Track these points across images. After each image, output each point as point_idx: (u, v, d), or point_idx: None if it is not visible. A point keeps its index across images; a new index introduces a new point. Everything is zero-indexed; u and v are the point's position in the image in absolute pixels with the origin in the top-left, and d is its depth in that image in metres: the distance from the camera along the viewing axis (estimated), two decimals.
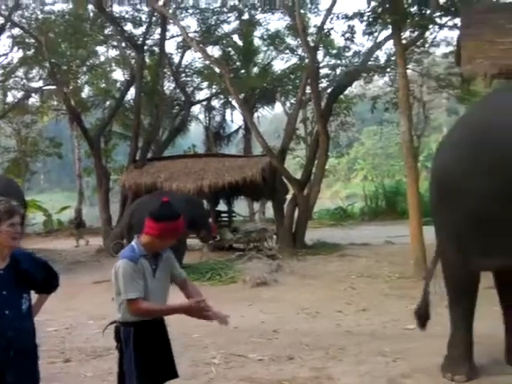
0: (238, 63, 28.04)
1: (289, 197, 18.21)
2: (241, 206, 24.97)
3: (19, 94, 28.11)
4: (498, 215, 4.66)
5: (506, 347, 5.91)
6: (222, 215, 20.86)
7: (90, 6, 21.46)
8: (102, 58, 28.24)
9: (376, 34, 17.06)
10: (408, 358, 6.29)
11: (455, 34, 16.30)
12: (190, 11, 23.74)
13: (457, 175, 5.12)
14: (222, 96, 29.70)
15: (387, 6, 13.26)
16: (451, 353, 5.68)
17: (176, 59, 26.64)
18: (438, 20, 15.90)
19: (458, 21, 14.85)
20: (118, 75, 44.37)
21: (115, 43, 24.20)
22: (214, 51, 26.42)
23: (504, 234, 4.73)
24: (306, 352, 6.86)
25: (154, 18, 21.85)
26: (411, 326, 7.67)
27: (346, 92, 22.31)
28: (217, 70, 21.67)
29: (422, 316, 6.00)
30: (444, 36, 23.32)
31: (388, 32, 15.49)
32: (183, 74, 27.75)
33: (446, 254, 5.69)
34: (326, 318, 8.77)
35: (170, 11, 21.13)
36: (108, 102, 28.34)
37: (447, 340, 5.76)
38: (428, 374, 5.74)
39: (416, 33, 14.92)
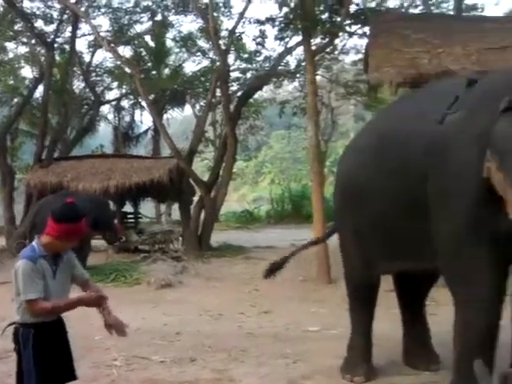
0: (149, 64, 27.71)
1: (196, 199, 18.14)
2: (147, 207, 24.71)
3: None
4: (399, 220, 4.73)
5: (404, 348, 6.08)
6: (128, 216, 20.56)
7: (0, 1, 20.76)
8: (11, 55, 27.29)
9: (287, 40, 17.25)
10: (309, 360, 6.34)
11: (364, 42, 16.69)
12: (103, 10, 23.19)
13: (361, 180, 5.19)
14: (131, 96, 29.34)
15: (299, 12, 13.36)
16: (351, 354, 5.77)
17: (87, 58, 26.07)
18: (347, 28, 16.23)
19: (367, 29, 15.19)
20: (27, 72, 43.08)
21: (25, 40, 23.44)
22: (126, 51, 26.04)
23: (403, 238, 4.81)
24: (209, 354, 6.82)
25: (65, 16, 21.23)
26: (313, 328, 7.79)
27: (256, 96, 22.37)
28: (127, 70, 21.35)
29: (273, 270, 6.09)
30: (353, 44, 23.78)
31: (299, 38, 15.63)
32: (93, 74, 27.19)
33: (349, 258, 5.77)
34: (229, 320, 8.74)
35: (82, 9, 20.66)
36: (16, 100, 27.48)
37: (347, 342, 5.84)
38: (328, 375, 5.80)
39: (326, 40, 15.12)
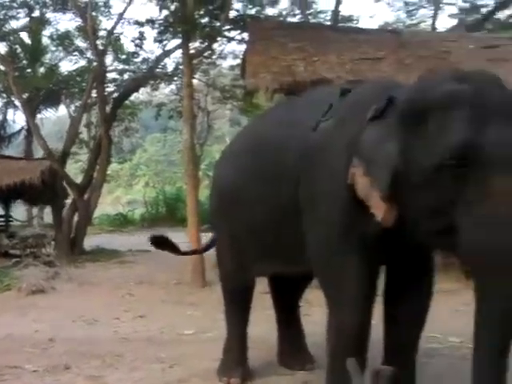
0: (24, 62, 26.75)
1: (69, 201, 17.75)
2: (19, 210, 23.88)
3: None
4: (273, 224, 4.80)
5: (279, 350, 6.16)
6: None
7: None
8: None
9: (166, 42, 17.17)
10: (185, 364, 6.31)
11: (242, 47, 16.86)
12: None
13: (237, 184, 5.21)
14: (4, 95, 28.18)
15: (179, 15, 13.34)
16: (227, 357, 5.79)
17: None
18: (226, 33, 16.36)
19: (245, 35, 15.37)
20: None
21: None
22: (0, 47, 25.06)
23: (278, 242, 4.88)
24: (83, 361, 6.63)
25: None
26: (188, 332, 7.78)
27: (132, 98, 22.17)
28: (1, 67, 20.58)
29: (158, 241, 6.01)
30: (232, 49, 23.92)
31: (178, 41, 15.62)
32: None
33: (224, 261, 5.79)
34: (104, 326, 8.57)
35: None
36: None
37: (223, 344, 5.88)
38: (205, 378, 5.79)
39: (205, 44, 15.17)
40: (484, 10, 22.42)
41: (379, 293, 4.38)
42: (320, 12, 21.40)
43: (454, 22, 23.54)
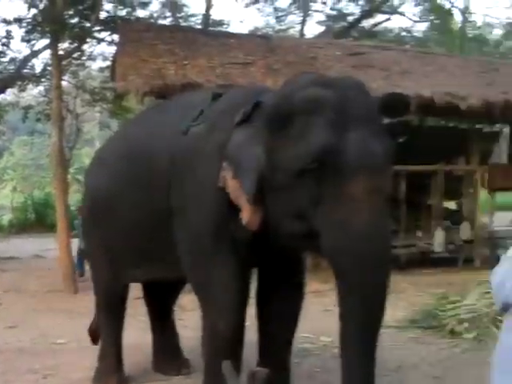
0: None
1: None
2: None
3: None
4: (147, 230, 4.78)
5: (154, 355, 6.15)
6: None
7: None
8: None
9: (34, 42, 16.65)
10: (59, 374, 6.17)
11: (113, 49, 16.64)
12: None
13: (110, 190, 5.14)
14: None
15: (48, 14, 12.97)
16: (102, 365, 5.71)
17: None
18: (97, 34, 16.07)
19: (116, 37, 15.16)
20: None
21: None
22: None
23: (151, 248, 4.87)
24: None
25: None
26: (61, 341, 7.59)
27: None
28: None
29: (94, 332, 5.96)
30: (102, 50, 23.56)
31: (47, 41, 15.20)
32: None
33: (97, 268, 5.70)
34: None
35: None
36: None
37: (98, 352, 5.78)
38: None
39: (74, 45, 14.85)
40: (350, 18, 23.26)
41: (252, 295, 4.46)
42: (191, 15, 21.55)
43: (322, 28, 24.32)
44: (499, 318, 6.49)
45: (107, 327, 5.72)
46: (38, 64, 19.66)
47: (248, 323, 4.33)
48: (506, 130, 16.88)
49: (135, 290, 6.09)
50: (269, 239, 3.86)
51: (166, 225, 4.44)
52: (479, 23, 27.67)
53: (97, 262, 5.68)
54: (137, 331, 6.50)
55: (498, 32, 28.11)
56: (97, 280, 5.77)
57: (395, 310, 7.88)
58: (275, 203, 3.66)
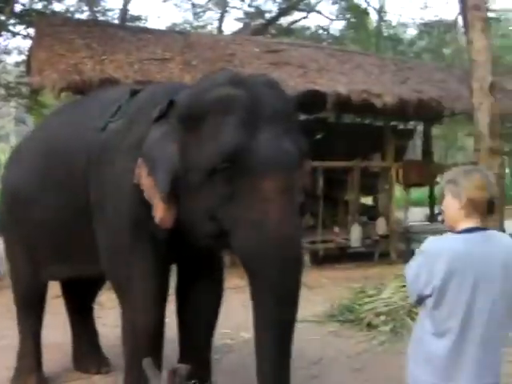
0: None
1: None
2: None
3: None
4: (65, 227, 4.72)
5: (74, 354, 6.09)
6: None
7: None
8: None
9: None
10: None
11: (28, 43, 16.28)
12: None
13: (28, 187, 5.06)
14: None
15: None
16: (21, 364, 5.61)
17: None
18: (11, 27, 15.69)
19: (31, 31, 14.85)
20: None
21: None
22: None
23: (70, 245, 4.82)
24: None
25: None
26: None
27: None
28: None
29: None
30: (17, 44, 23.01)
31: None
32: None
33: (16, 267, 5.60)
34: None
35: None
36: None
37: (16, 352, 5.67)
38: None
39: None
40: (268, 16, 23.40)
41: (172, 291, 4.46)
42: (108, 10, 21.25)
43: (240, 25, 24.37)
44: (414, 310, 6.77)
45: (25, 325, 5.62)
46: None
47: (168, 320, 4.33)
48: (420, 127, 17.40)
49: (54, 289, 6.00)
50: (185, 237, 3.87)
51: (85, 222, 4.39)
52: (394, 23, 28.34)
53: (16, 260, 5.57)
54: (57, 330, 6.40)
55: (412, 32, 28.81)
56: (15, 277, 5.66)
57: (314, 305, 8.02)
58: (188, 202, 3.66)
